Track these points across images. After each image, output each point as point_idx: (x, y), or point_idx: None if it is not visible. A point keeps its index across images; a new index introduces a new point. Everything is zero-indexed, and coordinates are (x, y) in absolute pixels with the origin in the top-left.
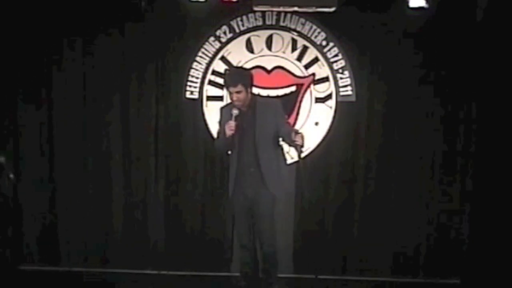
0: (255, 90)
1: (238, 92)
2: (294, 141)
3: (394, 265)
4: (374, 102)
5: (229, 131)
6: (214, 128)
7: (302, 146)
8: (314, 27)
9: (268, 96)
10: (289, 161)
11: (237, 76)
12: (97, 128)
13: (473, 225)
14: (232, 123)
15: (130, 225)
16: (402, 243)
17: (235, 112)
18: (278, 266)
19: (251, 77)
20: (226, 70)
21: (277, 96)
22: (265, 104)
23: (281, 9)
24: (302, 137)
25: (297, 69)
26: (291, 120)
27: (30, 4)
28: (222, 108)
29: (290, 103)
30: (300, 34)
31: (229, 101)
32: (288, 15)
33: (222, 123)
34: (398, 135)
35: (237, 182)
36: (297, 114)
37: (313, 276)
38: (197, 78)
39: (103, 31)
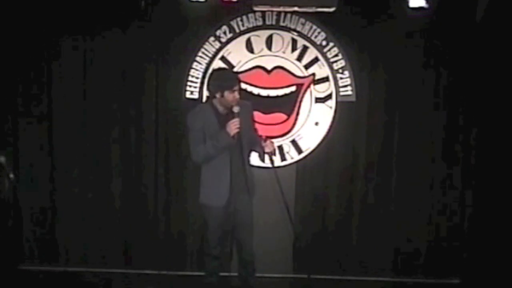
0: (256, 90)
1: (237, 91)
2: (263, 148)
3: (394, 265)
4: (374, 102)
5: (234, 129)
6: None
7: (273, 154)
8: (314, 27)
9: (258, 95)
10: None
11: (235, 76)
12: (97, 128)
13: (473, 225)
14: (236, 121)
15: (129, 225)
16: (402, 243)
17: (237, 108)
18: (255, 273)
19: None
20: (218, 71)
21: (277, 96)
22: (245, 107)
23: (281, 9)
24: (272, 144)
25: (297, 69)
26: (291, 120)
27: (30, 3)
28: (195, 113)
29: (290, 103)
30: (300, 34)
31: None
32: (288, 15)
33: (206, 125)
34: (398, 135)
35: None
36: (297, 114)
37: (307, 276)
38: (197, 78)
39: (103, 30)
